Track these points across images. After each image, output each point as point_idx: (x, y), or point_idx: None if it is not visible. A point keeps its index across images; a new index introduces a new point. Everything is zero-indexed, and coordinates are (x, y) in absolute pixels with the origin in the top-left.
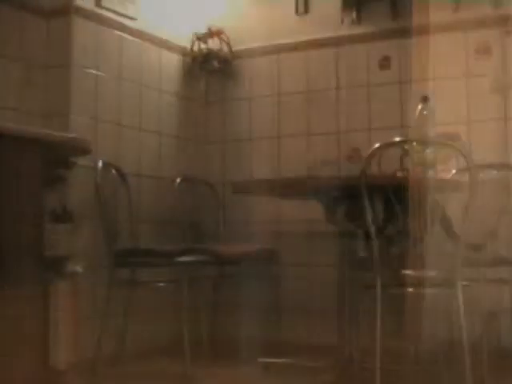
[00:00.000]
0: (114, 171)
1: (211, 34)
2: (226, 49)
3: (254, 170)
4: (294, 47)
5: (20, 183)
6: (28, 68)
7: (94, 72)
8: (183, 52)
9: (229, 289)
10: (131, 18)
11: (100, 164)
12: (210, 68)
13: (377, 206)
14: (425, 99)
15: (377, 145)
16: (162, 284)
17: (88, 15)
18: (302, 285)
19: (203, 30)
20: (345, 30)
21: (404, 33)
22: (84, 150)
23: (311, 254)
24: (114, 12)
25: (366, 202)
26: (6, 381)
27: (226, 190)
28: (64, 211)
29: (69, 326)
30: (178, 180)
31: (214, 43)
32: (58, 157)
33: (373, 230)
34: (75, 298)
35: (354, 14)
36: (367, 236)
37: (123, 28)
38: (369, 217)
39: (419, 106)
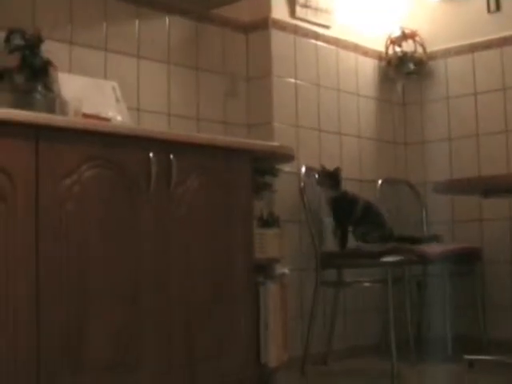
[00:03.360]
0: (316, 176)
1: (405, 36)
2: (420, 50)
3: (454, 169)
4: (488, 45)
5: (232, 191)
6: (231, 80)
7: (292, 81)
8: (378, 56)
9: (433, 287)
10: (325, 27)
11: (303, 169)
12: (406, 70)
13: None
14: None
15: None
16: (367, 284)
17: (284, 26)
18: (506, 282)
19: (397, 33)
20: None
21: None
22: (288, 157)
23: None
24: (309, 22)
25: None
26: (222, 377)
27: (427, 190)
28: (271, 216)
29: (278, 326)
30: (380, 182)
31: (408, 45)
32: (265, 165)
33: None
34: (284, 299)
35: None
36: None
37: (318, 36)
38: None
39: None
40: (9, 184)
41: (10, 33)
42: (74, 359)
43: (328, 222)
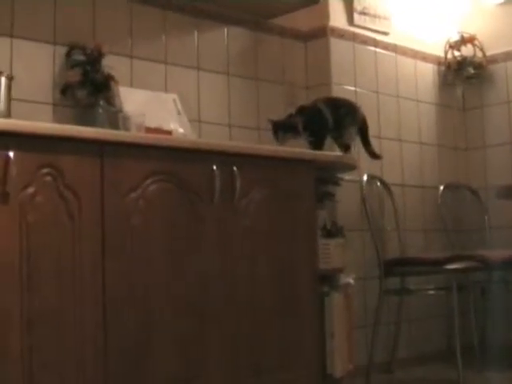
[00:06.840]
0: (378, 183)
1: (464, 40)
2: (479, 54)
3: None
4: None
5: (296, 202)
6: (291, 90)
7: (352, 88)
8: (437, 61)
9: (497, 294)
10: (384, 33)
11: (365, 178)
12: (466, 75)
13: None
14: None
15: None
16: (431, 291)
17: (342, 34)
18: None
19: (455, 38)
20: None
21: None
22: (350, 167)
23: None
24: (367, 29)
25: None
26: None
27: (489, 196)
28: (334, 226)
29: (344, 336)
30: (441, 188)
31: (467, 50)
32: (327, 174)
33: None
34: (349, 309)
35: None
36: None
37: (377, 43)
38: None
39: None
40: (75, 200)
41: (71, 48)
42: (140, 373)
43: None
